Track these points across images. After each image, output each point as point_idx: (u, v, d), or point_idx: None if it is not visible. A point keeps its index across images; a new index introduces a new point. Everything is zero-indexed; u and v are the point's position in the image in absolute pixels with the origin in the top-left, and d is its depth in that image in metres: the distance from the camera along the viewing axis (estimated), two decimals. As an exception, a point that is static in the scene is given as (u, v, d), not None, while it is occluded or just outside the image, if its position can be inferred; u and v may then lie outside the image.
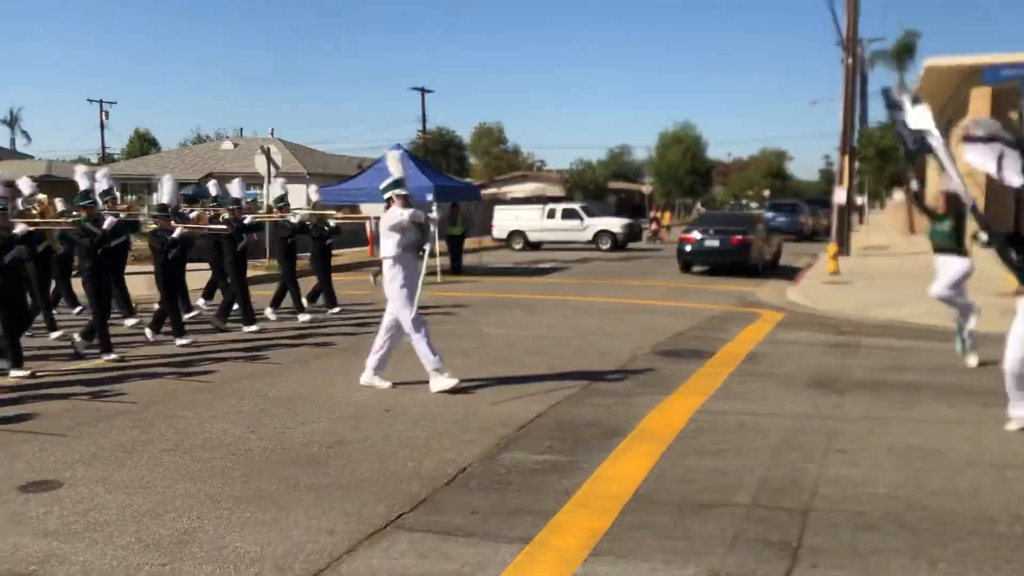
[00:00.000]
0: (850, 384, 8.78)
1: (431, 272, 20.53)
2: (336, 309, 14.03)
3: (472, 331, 12.26)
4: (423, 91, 52.74)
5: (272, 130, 47.67)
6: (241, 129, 57.96)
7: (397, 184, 8.48)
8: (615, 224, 32.87)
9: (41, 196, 12.42)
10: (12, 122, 64.84)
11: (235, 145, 46.12)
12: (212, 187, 14.47)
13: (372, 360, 8.63)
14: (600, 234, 32.09)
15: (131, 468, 6.02)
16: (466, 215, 24.28)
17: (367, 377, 8.63)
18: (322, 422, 7.28)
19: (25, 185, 12.23)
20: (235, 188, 13.63)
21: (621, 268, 24.01)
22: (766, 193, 75.66)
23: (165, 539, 4.78)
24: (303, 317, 13.29)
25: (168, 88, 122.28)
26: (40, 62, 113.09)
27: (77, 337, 10.66)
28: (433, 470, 6.00)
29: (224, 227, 12.49)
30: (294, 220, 13.77)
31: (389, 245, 8.36)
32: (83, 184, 10.64)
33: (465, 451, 6.44)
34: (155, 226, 11.31)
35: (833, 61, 54.79)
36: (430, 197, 20.61)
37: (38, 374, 9.21)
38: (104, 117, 61.57)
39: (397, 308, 8.41)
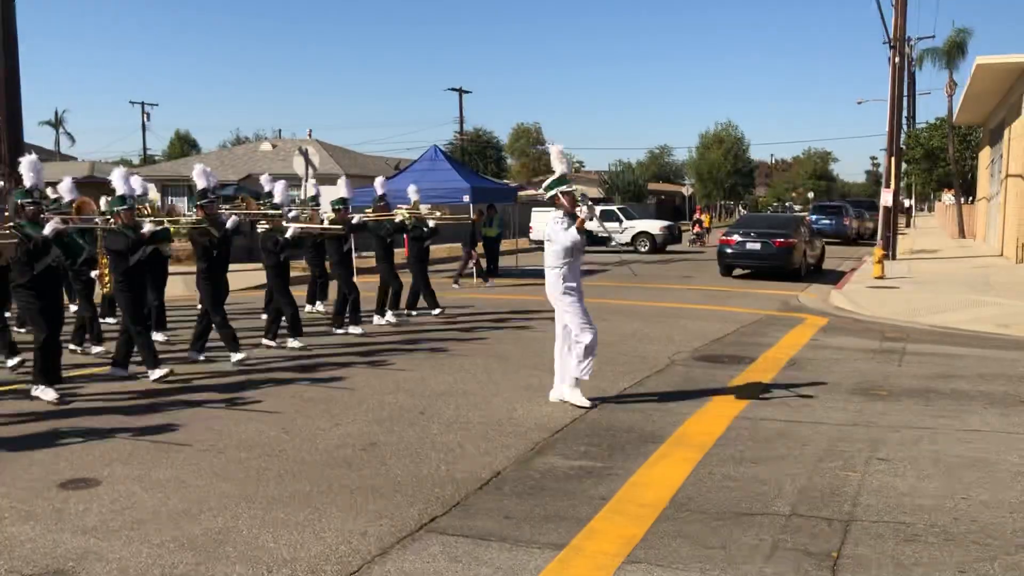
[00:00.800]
0: (895, 391, 8.59)
1: (468, 275, 20.57)
2: (438, 310, 13.91)
3: (509, 334, 12.22)
4: (460, 92, 52.91)
5: (310, 131, 48.13)
6: (280, 131, 58.66)
7: (561, 181, 7.88)
8: (654, 226, 32.65)
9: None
10: (57, 124, 66.08)
11: (274, 146, 46.63)
12: (278, 190, 12.99)
13: (562, 377, 7.94)
14: (639, 236, 31.89)
15: (167, 467, 6.07)
16: (503, 217, 24.20)
17: (565, 394, 7.92)
18: (356, 424, 7.28)
19: (65, 187, 11.77)
20: (278, 190, 13.32)
21: (660, 271, 23.82)
22: (810, 195, 74.68)
23: (200, 538, 4.80)
24: (379, 319, 13.22)
25: (208, 90, 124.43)
26: (84, 65, 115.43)
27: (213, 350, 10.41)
28: (467, 474, 5.96)
29: (340, 228, 12.22)
30: (395, 220, 13.50)
31: (558, 251, 7.71)
32: (201, 183, 10.16)
33: (499, 455, 6.40)
34: (268, 227, 11.15)
35: (880, 60, 54.02)
36: (466, 198, 20.60)
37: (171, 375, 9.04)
38: (146, 119, 62.59)
39: (567, 315, 7.78)
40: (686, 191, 66.18)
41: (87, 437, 6.75)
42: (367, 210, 13.97)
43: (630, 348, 10.97)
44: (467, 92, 53.49)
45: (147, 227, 8.99)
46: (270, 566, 4.48)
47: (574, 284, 7.79)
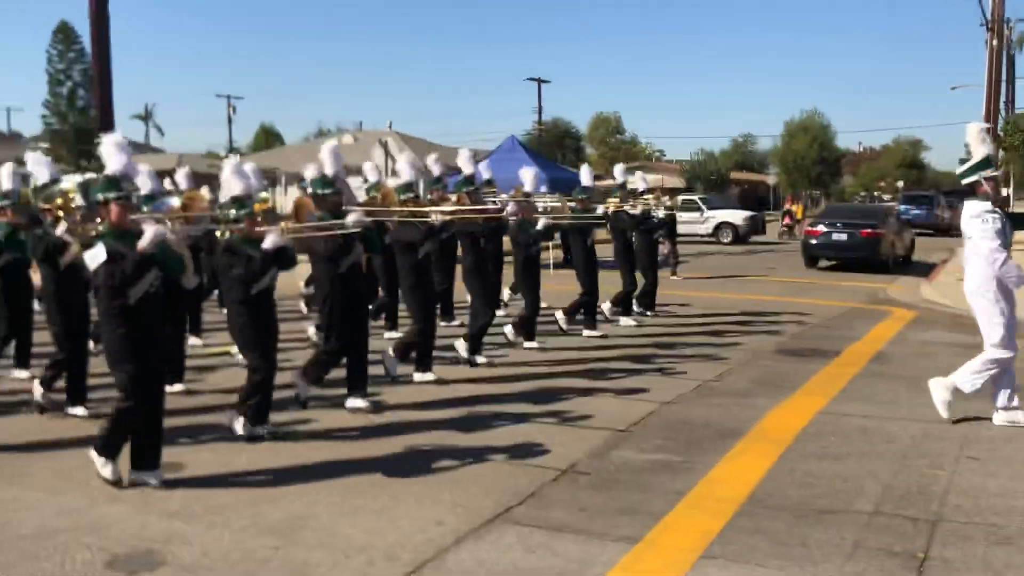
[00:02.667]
0: (987, 388, 8.24)
1: (544, 266, 20.53)
2: (650, 313, 12.73)
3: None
4: (539, 81, 52.76)
5: (390, 123, 48.51)
6: (361, 123, 59.36)
7: (986, 164, 6.66)
8: (737, 216, 32.05)
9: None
10: (147, 117, 68.15)
11: (355, 139, 47.30)
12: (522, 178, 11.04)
13: (1000, 392, 6.94)
14: (721, 226, 31.33)
15: (250, 454, 6.22)
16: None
17: (1012, 416, 6.89)
18: (440, 414, 7.32)
19: (182, 178, 10.96)
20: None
21: (743, 262, 23.40)
22: (899, 184, 72.36)
23: (279, 524, 4.92)
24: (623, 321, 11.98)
25: (292, 83, 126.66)
26: (172, 58, 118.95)
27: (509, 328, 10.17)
28: (542, 465, 5.96)
29: (601, 218, 11.50)
30: (635, 211, 12.10)
31: (984, 247, 6.56)
32: (467, 168, 9.23)
33: (575, 447, 6.38)
34: (517, 218, 9.94)
35: (977, 43, 51.76)
36: (543, 189, 20.64)
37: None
38: (231, 111, 64.12)
39: (987, 322, 6.82)
40: (770, 180, 64.87)
41: (177, 425, 6.90)
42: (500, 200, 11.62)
43: (708, 340, 10.80)
44: (546, 82, 53.36)
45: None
46: (347, 552, 4.56)
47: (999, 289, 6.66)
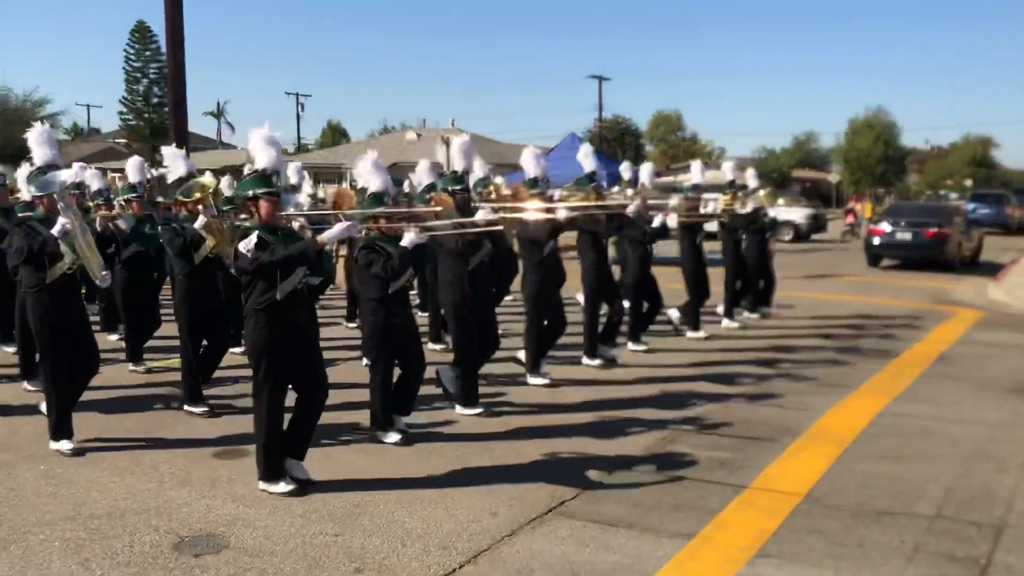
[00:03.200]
0: (1057, 391, 8.04)
1: (614, 262, 20.41)
2: (756, 315, 12.17)
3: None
4: (600, 79, 52.56)
5: (452, 120, 48.92)
6: (424, 120, 59.76)
7: None
8: (799, 214, 31.54)
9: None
10: (219, 113, 69.40)
11: (418, 136, 47.68)
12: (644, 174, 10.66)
13: None
14: (782, 225, 30.82)
15: (312, 442, 6.34)
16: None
17: None
18: (497, 407, 7.38)
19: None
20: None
21: (803, 261, 23.03)
22: (967, 183, 70.43)
23: (339, 510, 5.03)
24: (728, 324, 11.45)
25: (358, 81, 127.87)
26: (244, 56, 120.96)
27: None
28: (597, 459, 5.99)
29: (712, 216, 11.23)
30: (745, 209, 11.58)
31: None
32: (531, 169, 8.29)
33: (630, 442, 6.39)
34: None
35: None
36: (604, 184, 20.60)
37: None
38: (300, 109, 64.97)
39: None
40: (832, 178, 63.63)
41: (245, 411, 7.04)
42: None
43: (767, 338, 10.67)
44: (607, 79, 53.16)
45: (561, 214, 7.87)
46: (403, 539, 4.64)
47: None
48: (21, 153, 7.26)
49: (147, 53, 50.83)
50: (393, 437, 6.32)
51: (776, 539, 4.71)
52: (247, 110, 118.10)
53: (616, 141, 56.51)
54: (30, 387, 7.52)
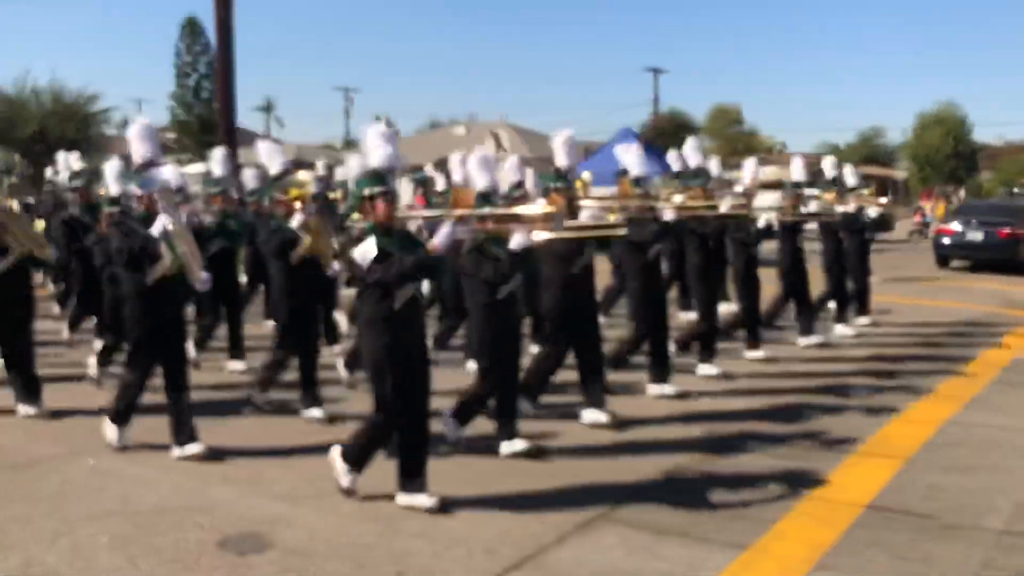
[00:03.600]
0: None
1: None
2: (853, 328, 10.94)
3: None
4: (656, 71, 52.04)
5: (503, 115, 48.75)
6: (474, 114, 59.76)
7: None
8: (864, 212, 30.74)
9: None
10: (268, 109, 70.24)
11: (467, 130, 47.63)
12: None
13: None
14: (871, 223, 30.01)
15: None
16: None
17: None
18: (540, 411, 7.26)
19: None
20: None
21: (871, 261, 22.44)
22: (1043, 180, 68.10)
23: (384, 512, 4.96)
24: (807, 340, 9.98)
25: (406, 75, 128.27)
26: (293, 51, 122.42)
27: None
28: (649, 466, 5.83)
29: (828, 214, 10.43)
30: (848, 209, 10.94)
31: None
32: (561, 159, 7.04)
33: (683, 449, 6.22)
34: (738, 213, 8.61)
35: None
36: (657, 181, 20.35)
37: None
38: (348, 104, 65.31)
39: None
40: (899, 175, 62.16)
41: (287, 412, 7.00)
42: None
43: (827, 346, 10.34)
44: (663, 72, 52.62)
45: (668, 215, 7.38)
46: (447, 543, 4.56)
47: None
48: (74, 147, 7.28)
49: (197, 48, 51.69)
50: (519, 445, 5.92)
51: (836, 551, 4.52)
52: (296, 105, 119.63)
53: (672, 136, 55.88)
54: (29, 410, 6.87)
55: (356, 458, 5.10)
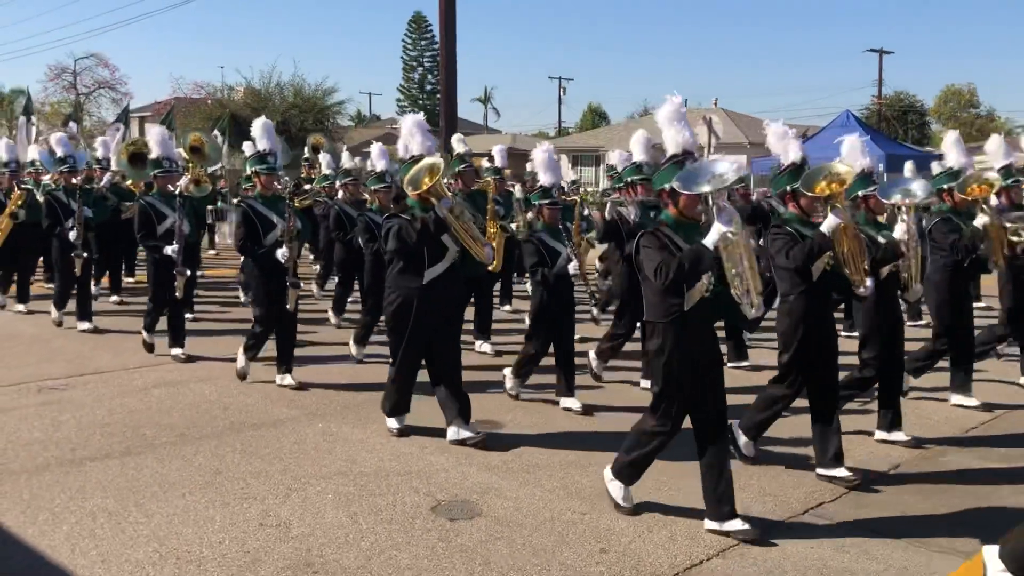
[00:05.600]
0: None
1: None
2: None
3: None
4: (880, 52, 48.88)
5: (716, 100, 47.43)
6: (686, 100, 58.55)
7: None
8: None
9: None
10: (486, 99, 72.17)
11: (678, 116, 46.60)
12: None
13: None
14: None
15: (564, 421, 6.47)
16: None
17: None
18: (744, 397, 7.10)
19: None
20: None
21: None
22: None
23: (587, 489, 5.06)
24: None
25: (619, 62, 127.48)
26: (511, 42, 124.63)
27: None
28: (864, 462, 5.58)
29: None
30: None
31: None
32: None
33: (899, 448, 5.90)
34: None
35: None
36: (881, 167, 19.30)
37: None
38: (562, 93, 65.90)
39: None
40: None
41: (493, 388, 7.24)
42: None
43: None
44: (888, 52, 49.36)
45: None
46: (650, 525, 4.60)
47: None
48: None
49: (422, 43, 53.94)
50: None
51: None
52: (512, 96, 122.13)
53: (898, 120, 52.34)
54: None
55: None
